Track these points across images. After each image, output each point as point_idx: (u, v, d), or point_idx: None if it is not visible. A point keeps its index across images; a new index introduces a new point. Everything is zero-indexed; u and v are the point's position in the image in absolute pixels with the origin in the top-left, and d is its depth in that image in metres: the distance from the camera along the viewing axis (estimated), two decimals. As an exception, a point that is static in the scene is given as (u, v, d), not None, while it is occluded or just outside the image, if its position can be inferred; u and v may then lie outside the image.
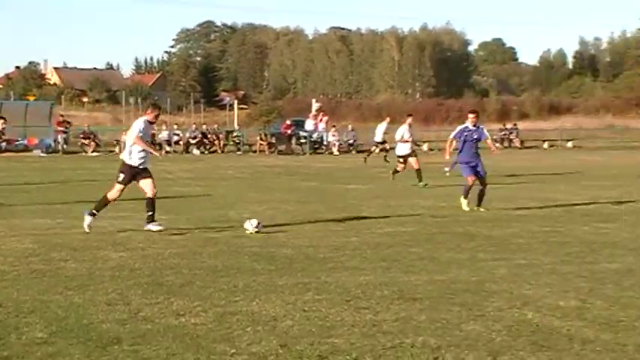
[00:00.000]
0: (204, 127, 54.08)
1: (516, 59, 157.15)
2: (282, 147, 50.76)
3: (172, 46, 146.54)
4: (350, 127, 56.16)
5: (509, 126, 60.54)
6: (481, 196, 17.52)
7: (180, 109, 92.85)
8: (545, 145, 57.35)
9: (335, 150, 50.58)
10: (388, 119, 35.31)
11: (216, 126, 56.58)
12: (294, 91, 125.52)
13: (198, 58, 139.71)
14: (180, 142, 50.79)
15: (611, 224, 14.95)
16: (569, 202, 19.18)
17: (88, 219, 13.77)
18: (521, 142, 57.41)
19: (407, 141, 25.09)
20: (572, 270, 10.24)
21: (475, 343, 6.97)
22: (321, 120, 53.91)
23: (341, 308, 8.18)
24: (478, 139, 18.00)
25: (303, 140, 51.24)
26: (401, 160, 25.04)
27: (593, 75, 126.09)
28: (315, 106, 57.26)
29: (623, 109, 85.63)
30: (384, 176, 29.29)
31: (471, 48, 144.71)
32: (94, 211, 13.92)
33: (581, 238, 13.11)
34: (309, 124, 53.52)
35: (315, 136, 52.20)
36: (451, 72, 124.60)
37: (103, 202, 14.04)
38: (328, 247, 12.23)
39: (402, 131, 25.31)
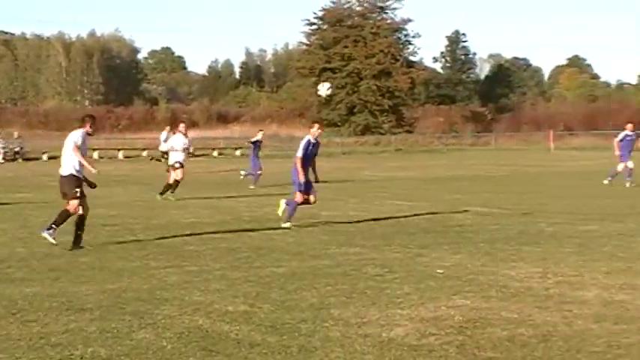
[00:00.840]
0: None
1: (185, 68, 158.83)
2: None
3: None
4: (16, 134, 54.13)
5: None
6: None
7: None
8: (215, 153, 58.41)
9: (0, 158, 48.53)
10: (168, 128, 34.04)
11: None
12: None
13: None
14: None
15: (276, 230, 15.55)
16: (237, 209, 19.72)
17: (48, 233, 12.99)
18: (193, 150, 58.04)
19: (185, 149, 24.33)
20: (240, 275, 10.55)
21: (146, 352, 7.00)
22: (-17, 127, 51.55)
23: (6, 322, 7.92)
24: (315, 154, 16.91)
25: (-37, 148, 48.76)
26: (177, 165, 23.72)
27: (258, 85, 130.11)
28: (-23, 112, 54.64)
29: (286, 118, 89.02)
30: (52, 185, 28.56)
31: (141, 56, 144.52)
32: (54, 225, 13.07)
33: (249, 244, 13.53)
34: (-30, 131, 51.02)
35: (-23, 143, 49.81)
36: (120, 80, 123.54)
37: (65, 216, 13.20)
38: (-7, 260, 11.77)
39: (178, 139, 24.63)
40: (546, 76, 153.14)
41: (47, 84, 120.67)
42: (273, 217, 18.05)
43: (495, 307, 8.62)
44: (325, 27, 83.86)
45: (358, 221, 17.10)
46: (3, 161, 47.87)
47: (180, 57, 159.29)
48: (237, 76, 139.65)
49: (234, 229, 15.74)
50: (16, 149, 50.58)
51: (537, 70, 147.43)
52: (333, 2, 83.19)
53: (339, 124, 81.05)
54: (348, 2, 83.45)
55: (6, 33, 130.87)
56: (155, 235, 14.76)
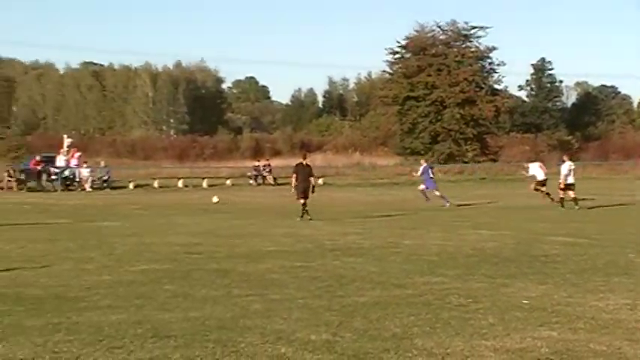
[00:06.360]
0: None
1: (269, 97, 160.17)
2: (32, 184, 49.11)
3: None
4: (103, 163, 55.16)
5: (262, 163, 61.41)
6: None
7: None
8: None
9: (88, 186, 49.47)
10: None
11: (-41, 162, 54.03)
12: (44, 127, 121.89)
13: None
14: None
15: (359, 259, 15.49)
16: (319, 238, 19.69)
17: None
18: (274, 179, 58.41)
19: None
20: (322, 304, 10.52)
21: (229, 379, 7.02)
22: (72, 156, 52.63)
23: (93, 348, 8.02)
24: None
25: (54, 177, 49.81)
26: None
27: (341, 114, 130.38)
28: (66, 141, 55.82)
29: (369, 147, 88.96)
30: (138, 213, 29.05)
31: (225, 86, 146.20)
32: None
33: (332, 273, 13.49)
34: (60, 160, 52.12)
35: (67, 172, 50.87)
36: (205, 109, 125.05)
37: None
38: (80, 287, 11.95)
39: None
40: (635, 104, 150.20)
41: (134, 114, 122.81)
42: (354, 245, 18.00)
43: (583, 339, 8.43)
44: (408, 56, 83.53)
45: (441, 250, 16.95)
46: (91, 190, 48.72)
47: (264, 86, 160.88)
48: (320, 105, 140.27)
49: (315, 257, 15.73)
50: (104, 178, 51.46)
51: (626, 99, 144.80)
52: (417, 31, 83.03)
53: (422, 152, 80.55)
54: (432, 31, 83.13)
55: (95, 64, 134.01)
56: (237, 263, 14.83)
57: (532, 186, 35.35)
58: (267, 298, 11.02)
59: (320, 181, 58.33)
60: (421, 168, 35.48)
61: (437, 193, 33.80)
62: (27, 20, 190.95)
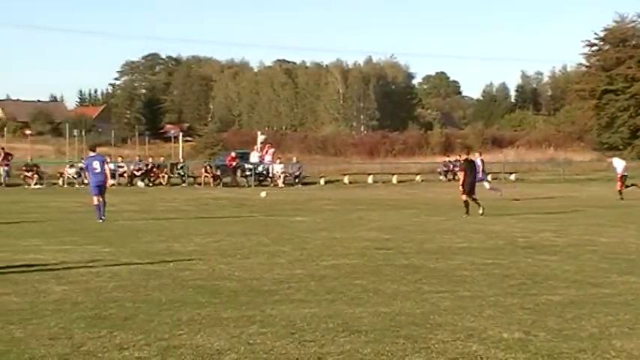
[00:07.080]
0: (149, 159, 53.71)
1: (460, 93, 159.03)
2: (227, 179, 50.61)
3: (117, 79, 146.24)
4: (295, 159, 56.27)
5: (452, 159, 60.91)
6: None
7: (125, 142, 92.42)
8: (488, 177, 57.70)
9: (280, 182, 50.53)
10: None
11: (161, 158, 56.35)
12: (239, 124, 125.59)
13: (143, 91, 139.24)
14: (125, 175, 50.38)
15: (553, 257, 15.09)
16: (511, 234, 19.34)
17: None
18: (465, 174, 57.69)
19: None
20: (515, 302, 10.30)
21: (420, 376, 6.97)
22: (266, 152, 53.93)
23: (286, 341, 8.14)
24: None
25: (248, 172, 51.16)
26: None
27: (534, 109, 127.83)
28: (260, 138, 57.28)
29: (564, 142, 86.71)
30: (329, 208, 29.38)
31: (415, 81, 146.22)
32: None
33: (524, 271, 13.20)
34: (254, 157, 53.52)
35: (260, 168, 52.18)
36: (395, 105, 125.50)
37: None
38: (273, 280, 12.18)
39: None
40: None
41: (325, 110, 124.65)
42: (548, 242, 17.56)
43: None
44: (607, 48, 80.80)
45: (640, 249, 16.30)
46: (283, 186, 49.74)
47: (454, 82, 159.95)
48: (513, 99, 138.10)
49: (507, 254, 15.45)
50: (296, 174, 52.41)
51: None
52: (616, 22, 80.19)
53: (622, 147, 77.76)
54: (633, 22, 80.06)
55: (287, 62, 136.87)
56: (427, 259, 14.75)
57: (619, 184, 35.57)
58: (458, 295, 10.90)
59: (512, 176, 57.51)
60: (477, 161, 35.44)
61: (487, 186, 34.24)
62: (224, 20, 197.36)
